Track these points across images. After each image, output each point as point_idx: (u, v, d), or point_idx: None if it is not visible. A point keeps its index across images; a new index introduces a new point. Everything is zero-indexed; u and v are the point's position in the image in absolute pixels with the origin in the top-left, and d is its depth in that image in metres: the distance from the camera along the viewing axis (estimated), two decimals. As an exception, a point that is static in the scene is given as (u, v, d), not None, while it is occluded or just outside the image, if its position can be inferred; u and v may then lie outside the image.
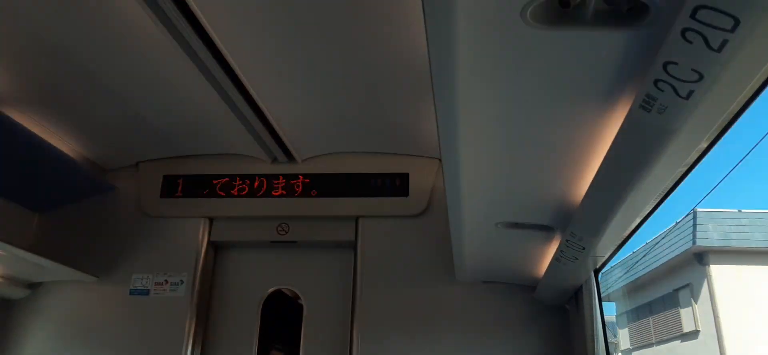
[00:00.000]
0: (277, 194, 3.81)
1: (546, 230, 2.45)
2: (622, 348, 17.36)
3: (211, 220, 3.87)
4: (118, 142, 3.81)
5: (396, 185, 3.75)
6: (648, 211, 2.12)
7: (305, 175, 3.84)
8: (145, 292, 3.70)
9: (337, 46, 2.66)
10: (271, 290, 3.82)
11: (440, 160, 3.70)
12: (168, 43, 2.50)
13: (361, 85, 3.01)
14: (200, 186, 3.87)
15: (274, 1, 2.36)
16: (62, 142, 3.66)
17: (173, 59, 2.66)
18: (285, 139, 3.55)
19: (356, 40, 2.60)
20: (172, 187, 3.90)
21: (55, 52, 2.80)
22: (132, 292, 3.70)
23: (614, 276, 16.21)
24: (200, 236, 3.78)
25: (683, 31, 1.09)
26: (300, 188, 3.81)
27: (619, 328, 17.53)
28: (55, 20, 2.58)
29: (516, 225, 2.44)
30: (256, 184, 3.85)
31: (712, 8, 1.01)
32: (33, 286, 3.77)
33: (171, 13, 2.32)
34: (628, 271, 16.04)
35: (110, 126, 3.58)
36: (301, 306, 3.76)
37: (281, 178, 3.85)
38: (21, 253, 3.19)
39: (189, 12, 2.35)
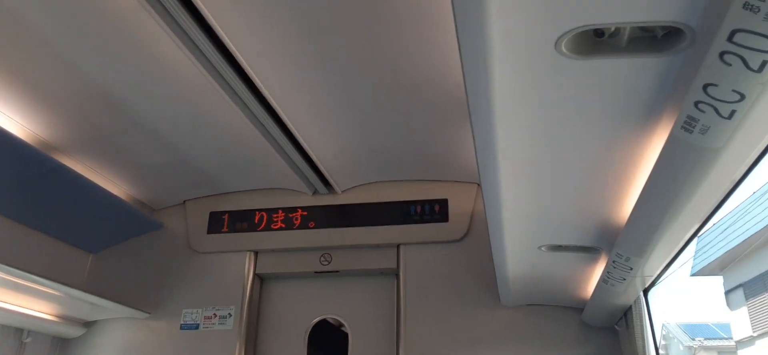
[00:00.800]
0: (319, 225, 3.87)
1: (591, 251, 2.42)
2: (740, 337, 13.47)
3: (256, 253, 3.96)
4: (165, 183, 3.96)
5: (435, 211, 3.77)
6: (696, 227, 2.07)
7: (346, 206, 3.89)
8: (195, 326, 3.80)
9: (373, 78, 2.71)
10: (316, 319, 3.86)
11: (478, 184, 3.73)
12: (211, 86, 2.61)
13: (397, 114, 3.06)
14: (244, 221, 3.98)
15: (312, 39, 2.43)
16: (113, 184, 3.82)
17: (217, 102, 2.77)
18: (325, 171, 3.62)
19: (392, 71, 2.65)
20: (217, 223, 4.01)
21: (108, 102, 2.94)
22: (182, 327, 3.80)
23: (709, 240, 12.91)
24: (246, 270, 3.87)
25: (721, 54, 1.09)
26: (341, 219, 3.86)
27: (733, 308, 13.81)
28: (108, 71, 2.73)
29: (559, 248, 2.42)
30: (298, 216, 3.92)
31: (749, 31, 1.02)
32: (88, 324, 3.91)
33: (213, 57, 2.43)
34: (728, 231, 12.44)
35: (158, 168, 3.72)
36: (346, 334, 3.79)
37: (322, 209, 3.91)
38: (77, 293, 3.33)
39: (230, 56, 2.45)
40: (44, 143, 3.27)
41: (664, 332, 18.98)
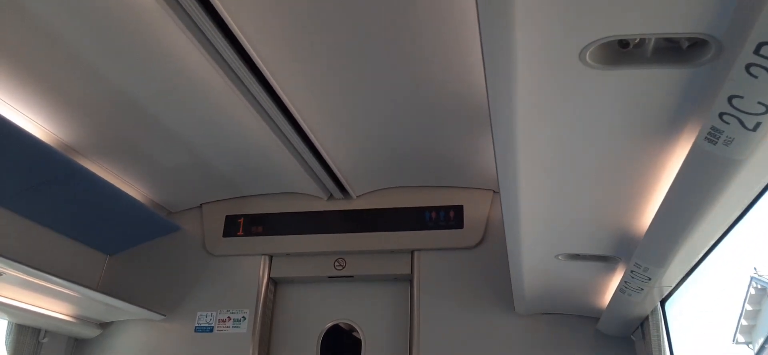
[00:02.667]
0: (334, 229, 3.89)
1: (608, 260, 2.41)
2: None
3: (271, 257, 3.98)
4: (183, 186, 4.00)
5: (450, 217, 3.77)
6: (716, 239, 2.06)
7: (361, 211, 3.90)
8: (210, 329, 3.82)
9: (392, 84, 2.72)
10: (329, 324, 3.87)
11: (494, 191, 3.74)
12: (230, 91, 2.63)
13: (413, 120, 3.07)
14: (260, 224, 4.00)
15: (329, 44, 2.44)
16: (131, 187, 3.87)
17: (236, 106, 2.79)
18: (340, 176, 3.64)
19: (411, 76, 2.66)
20: (233, 226, 4.04)
21: (129, 106, 2.98)
22: (197, 329, 3.83)
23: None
24: (260, 273, 3.89)
25: (747, 67, 1.10)
26: (356, 224, 3.88)
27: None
28: (129, 76, 2.77)
29: (577, 256, 2.42)
30: (313, 220, 3.94)
31: (777, 44, 1.02)
32: (104, 325, 3.95)
33: (233, 62, 2.45)
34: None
35: (176, 171, 3.76)
36: (359, 340, 3.80)
37: (337, 214, 3.93)
38: (93, 294, 3.37)
39: (249, 60, 2.48)
40: (65, 146, 3.32)
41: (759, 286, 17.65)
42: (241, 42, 2.34)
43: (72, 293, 3.28)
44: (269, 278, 3.94)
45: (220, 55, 2.42)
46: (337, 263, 3.87)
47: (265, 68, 2.52)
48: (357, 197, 3.95)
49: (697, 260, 2.23)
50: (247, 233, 4.00)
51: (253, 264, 3.92)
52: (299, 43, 2.43)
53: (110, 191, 3.50)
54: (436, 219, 3.78)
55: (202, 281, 3.96)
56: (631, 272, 2.25)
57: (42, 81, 2.80)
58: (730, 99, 1.19)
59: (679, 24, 1.15)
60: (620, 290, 2.51)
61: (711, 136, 1.31)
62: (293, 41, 2.42)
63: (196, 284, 3.96)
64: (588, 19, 1.17)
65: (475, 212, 3.75)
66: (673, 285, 2.50)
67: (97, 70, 2.71)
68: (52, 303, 3.43)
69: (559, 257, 2.46)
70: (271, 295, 3.99)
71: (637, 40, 1.24)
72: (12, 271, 2.84)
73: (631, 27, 1.17)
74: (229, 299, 3.86)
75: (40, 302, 3.35)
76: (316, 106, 2.90)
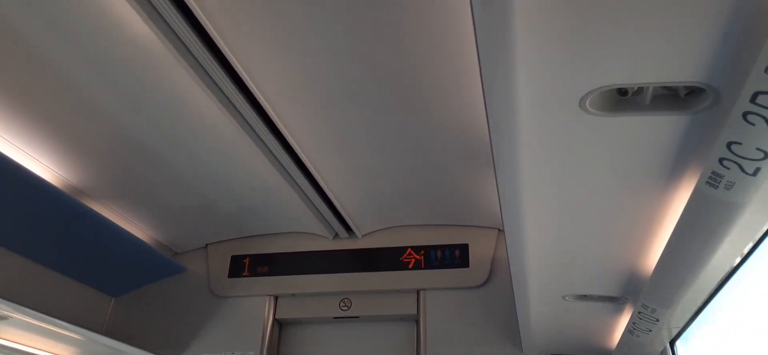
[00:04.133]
0: (339, 269, 3.88)
1: (616, 301, 2.40)
2: None
3: (276, 298, 3.97)
4: (189, 227, 4.01)
5: (456, 256, 3.76)
6: (722, 279, 2.06)
7: (366, 250, 3.90)
8: (215, 371, 3.80)
9: (395, 122, 2.75)
10: (335, 366, 3.84)
11: (499, 229, 3.73)
12: (235, 130, 2.66)
13: (418, 158, 3.09)
14: (265, 265, 4.00)
15: (334, 84, 2.47)
16: (137, 228, 3.89)
17: (242, 146, 2.82)
18: (345, 215, 3.65)
19: (413, 116, 2.68)
20: (238, 267, 4.04)
21: (136, 147, 3.02)
22: (202, 371, 3.81)
23: None
24: (266, 314, 3.88)
25: (744, 114, 1.11)
26: (361, 263, 3.87)
27: None
28: (137, 118, 2.81)
29: (584, 297, 2.40)
30: (318, 261, 3.94)
31: (772, 93, 1.04)
32: (110, 368, 3.93)
33: (238, 103, 2.49)
34: None
35: (182, 212, 3.78)
36: (365, 382, 3.76)
37: (343, 253, 3.93)
38: (99, 338, 3.36)
39: (255, 101, 2.51)
40: (72, 187, 3.35)
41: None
42: (247, 82, 2.38)
43: (76, 336, 3.27)
44: (274, 319, 3.92)
45: (226, 95, 2.45)
46: (342, 304, 3.85)
47: (270, 109, 2.56)
48: (362, 236, 3.95)
49: (704, 299, 2.22)
50: (253, 273, 4.00)
51: (258, 305, 3.91)
52: (304, 83, 2.47)
53: (116, 232, 3.52)
54: (442, 258, 3.78)
55: (208, 323, 3.95)
56: (639, 313, 2.23)
57: (49, 123, 2.84)
58: (729, 145, 1.20)
59: (677, 73, 1.17)
60: (629, 330, 2.48)
61: (712, 180, 1.32)
62: (298, 82, 2.45)
63: (201, 326, 3.94)
64: (588, 69, 1.20)
65: (480, 250, 3.74)
66: (682, 325, 2.48)
67: (105, 111, 2.75)
68: (57, 347, 3.41)
69: (567, 298, 2.45)
70: (277, 336, 3.96)
71: (636, 88, 1.26)
72: (18, 314, 2.84)
73: (630, 76, 1.19)
74: (234, 340, 3.84)
75: (45, 345, 3.34)
76: (321, 145, 2.93)
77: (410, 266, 3.79)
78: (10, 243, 3.24)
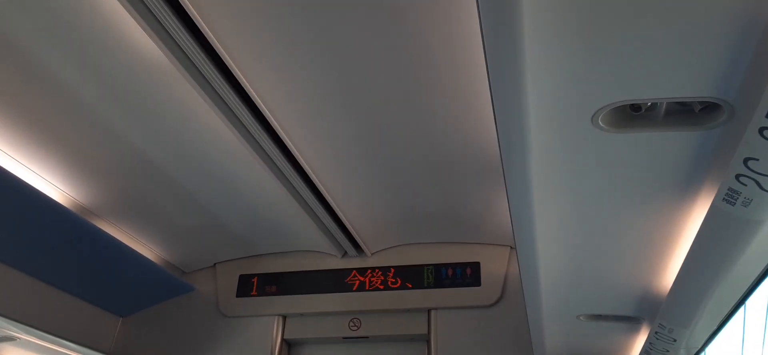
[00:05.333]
0: (349, 289, 3.84)
1: (631, 321, 2.34)
2: None
3: (284, 317, 3.93)
4: (197, 246, 4.00)
5: (467, 274, 3.71)
6: (740, 297, 2.00)
7: (376, 269, 3.86)
8: (223, 392, 3.76)
9: (406, 141, 2.73)
10: (345, 387, 3.79)
11: (511, 247, 3.68)
12: (244, 149, 2.65)
13: (428, 176, 3.06)
14: (274, 284, 3.97)
15: (346, 104, 2.46)
16: (146, 247, 3.88)
17: (251, 166, 2.81)
18: (355, 234, 3.62)
19: (423, 133, 2.66)
20: (246, 286, 4.02)
21: (146, 168, 3.03)
22: (211, 392, 3.77)
23: None
24: (274, 334, 3.84)
25: (761, 130, 1.08)
26: (371, 282, 3.83)
27: None
28: (144, 138, 2.81)
29: (599, 317, 2.35)
30: (327, 280, 3.90)
31: (789, 108, 1.00)
32: (118, 389, 3.90)
33: (247, 122, 2.48)
34: None
35: (191, 231, 3.77)
36: (375, 403, 3.70)
37: (352, 272, 3.89)
38: (106, 358, 3.34)
39: (264, 120, 2.50)
40: (81, 207, 3.35)
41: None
42: (256, 102, 2.37)
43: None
44: (283, 339, 3.88)
45: (235, 114, 2.45)
46: (351, 324, 3.81)
47: (279, 128, 2.55)
48: (372, 254, 3.92)
49: (723, 318, 2.17)
50: (261, 292, 3.97)
51: (267, 325, 3.87)
52: (313, 103, 2.46)
53: (125, 251, 3.51)
54: (453, 276, 3.73)
55: (216, 343, 3.92)
56: (656, 332, 2.18)
57: (58, 142, 2.85)
58: (745, 161, 1.17)
59: (691, 88, 1.14)
60: (645, 351, 2.42)
61: (729, 197, 1.29)
62: (307, 101, 2.45)
63: (209, 346, 3.92)
64: (599, 85, 1.17)
65: (492, 269, 3.69)
66: (700, 345, 2.42)
67: (114, 131, 2.76)
68: (64, 367, 3.41)
69: (581, 318, 2.40)
70: None
71: (649, 103, 1.23)
72: (26, 336, 2.84)
73: (643, 92, 1.17)
74: None
75: (52, 366, 3.33)
76: (330, 163, 2.92)
77: (421, 285, 3.74)
78: (18, 262, 3.24)
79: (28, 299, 3.32)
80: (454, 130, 2.62)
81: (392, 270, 3.83)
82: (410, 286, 3.76)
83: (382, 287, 3.80)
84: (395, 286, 3.78)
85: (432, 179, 3.11)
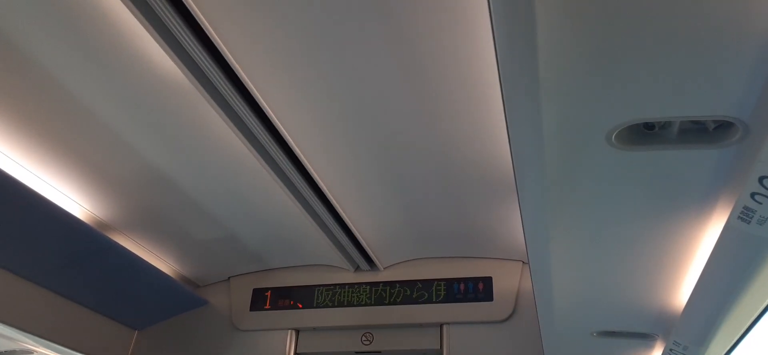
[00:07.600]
0: (361, 303, 3.85)
1: (645, 337, 2.33)
2: None
3: (297, 331, 3.95)
4: (212, 260, 4.03)
5: (479, 289, 3.71)
6: (758, 313, 1.98)
7: (388, 283, 3.87)
8: (236, 406, 3.77)
9: (420, 156, 2.74)
10: (357, 402, 3.78)
11: (523, 262, 3.67)
12: (258, 164, 2.68)
13: (440, 190, 3.07)
14: (287, 298, 3.99)
15: (359, 118, 2.48)
16: (161, 261, 3.92)
17: (263, 179, 2.83)
18: (368, 248, 3.63)
19: (439, 149, 2.67)
20: (260, 300, 4.04)
21: (161, 182, 3.07)
22: (223, 406, 3.78)
23: None
24: (287, 348, 3.85)
25: (777, 148, 1.09)
26: (383, 297, 3.84)
27: None
28: (160, 152, 2.86)
29: (613, 334, 2.34)
30: (340, 294, 3.92)
31: (804, 127, 1.01)
32: (132, 402, 3.93)
33: (262, 137, 2.51)
34: None
35: (206, 245, 3.80)
36: (388, 418, 3.69)
37: (365, 286, 3.90)
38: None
39: (278, 135, 2.53)
40: (97, 220, 3.40)
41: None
42: (270, 118, 2.40)
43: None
44: (296, 353, 3.89)
45: (250, 130, 2.48)
46: (364, 338, 3.81)
47: (293, 143, 2.58)
48: (384, 268, 3.93)
49: (739, 336, 2.14)
50: (274, 306, 3.99)
51: (280, 339, 3.89)
52: (326, 118, 2.48)
53: (140, 265, 3.55)
54: (465, 291, 3.72)
55: None
56: (671, 350, 2.17)
57: (75, 156, 2.89)
58: (761, 179, 1.17)
59: (705, 107, 1.15)
60: (659, 368, 2.41)
61: (744, 215, 1.29)
62: (321, 117, 2.47)
63: None
64: (613, 104, 1.18)
65: (504, 283, 3.68)
66: (716, 362, 2.39)
67: (131, 146, 2.80)
68: (80, 380, 3.44)
69: (595, 334, 2.39)
70: None
71: (663, 122, 1.24)
72: (43, 349, 2.87)
73: (657, 111, 1.18)
74: None
75: (68, 378, 3.36)
76: (344, 178, 2.94)
77: (433, 300, 3.74)
78: (37, 276, 3.29)
79: (45, 313, 3.36)
80: (466, 145, 2.63)
81: (405, 284, 3.84)
82: (422, 300, 3.76)
83: (394, 301, 3.81)
84: (408, 300, 3.78)
85: (445, 194, 3.11)
